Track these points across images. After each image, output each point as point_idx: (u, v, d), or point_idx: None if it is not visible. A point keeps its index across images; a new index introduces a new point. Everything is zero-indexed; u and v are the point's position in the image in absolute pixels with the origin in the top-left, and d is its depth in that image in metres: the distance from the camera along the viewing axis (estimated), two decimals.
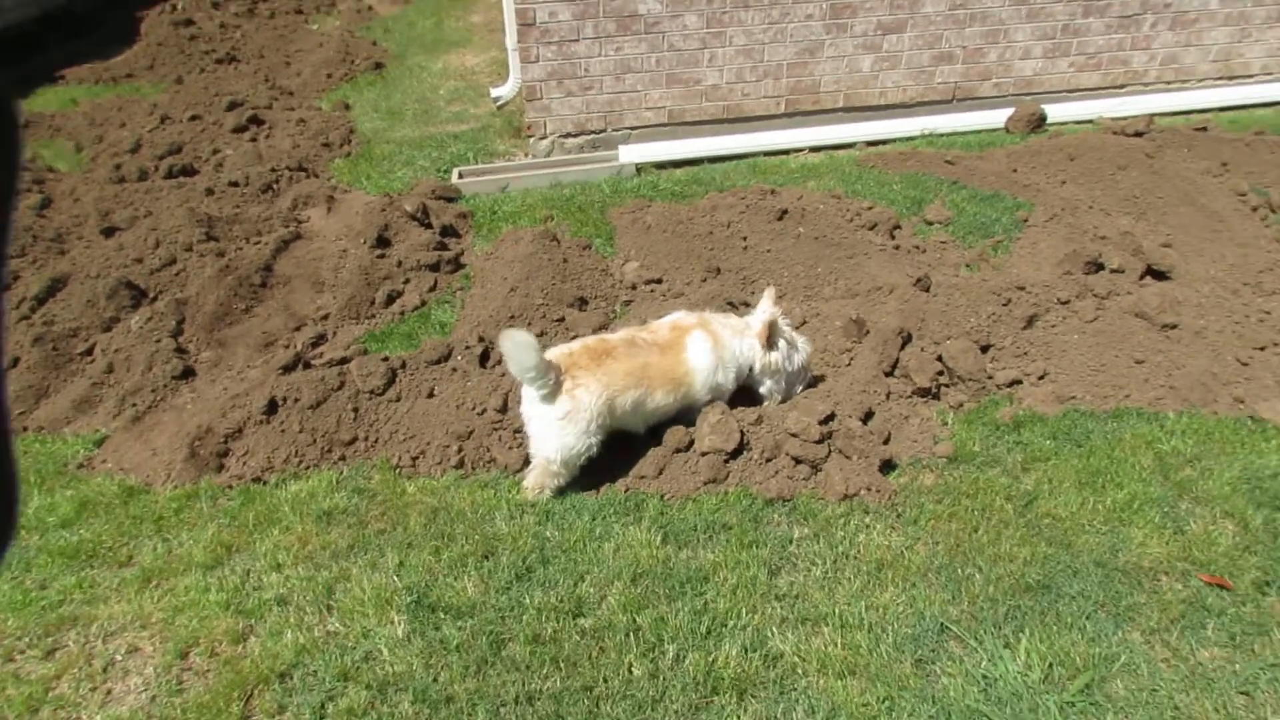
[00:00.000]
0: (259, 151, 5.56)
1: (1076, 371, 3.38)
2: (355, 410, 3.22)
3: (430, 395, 3.31)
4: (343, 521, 2.81)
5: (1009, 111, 5.52)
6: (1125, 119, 5.35)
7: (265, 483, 3.00)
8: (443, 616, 2.42)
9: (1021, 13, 5.40)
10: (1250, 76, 5.82)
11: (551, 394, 2.78)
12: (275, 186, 5.09)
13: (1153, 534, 2.64)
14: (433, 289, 4.14)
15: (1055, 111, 5.53)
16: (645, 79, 5.39)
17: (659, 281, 4.10)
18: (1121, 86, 5.73)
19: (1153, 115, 5.43)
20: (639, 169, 5.25)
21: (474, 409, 3.22)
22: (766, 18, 5.31)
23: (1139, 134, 5.13)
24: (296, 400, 3.23)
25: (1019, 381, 3.40)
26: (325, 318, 3.95)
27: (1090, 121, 5.50)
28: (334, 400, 3.24)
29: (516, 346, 2.65)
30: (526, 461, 3.03)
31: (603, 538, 2.69)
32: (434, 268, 4.25)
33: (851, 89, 5.57)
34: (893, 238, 4.30)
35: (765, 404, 3.20)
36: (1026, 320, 3.59)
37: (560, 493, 2.92)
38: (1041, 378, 3.41)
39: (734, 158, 5.40)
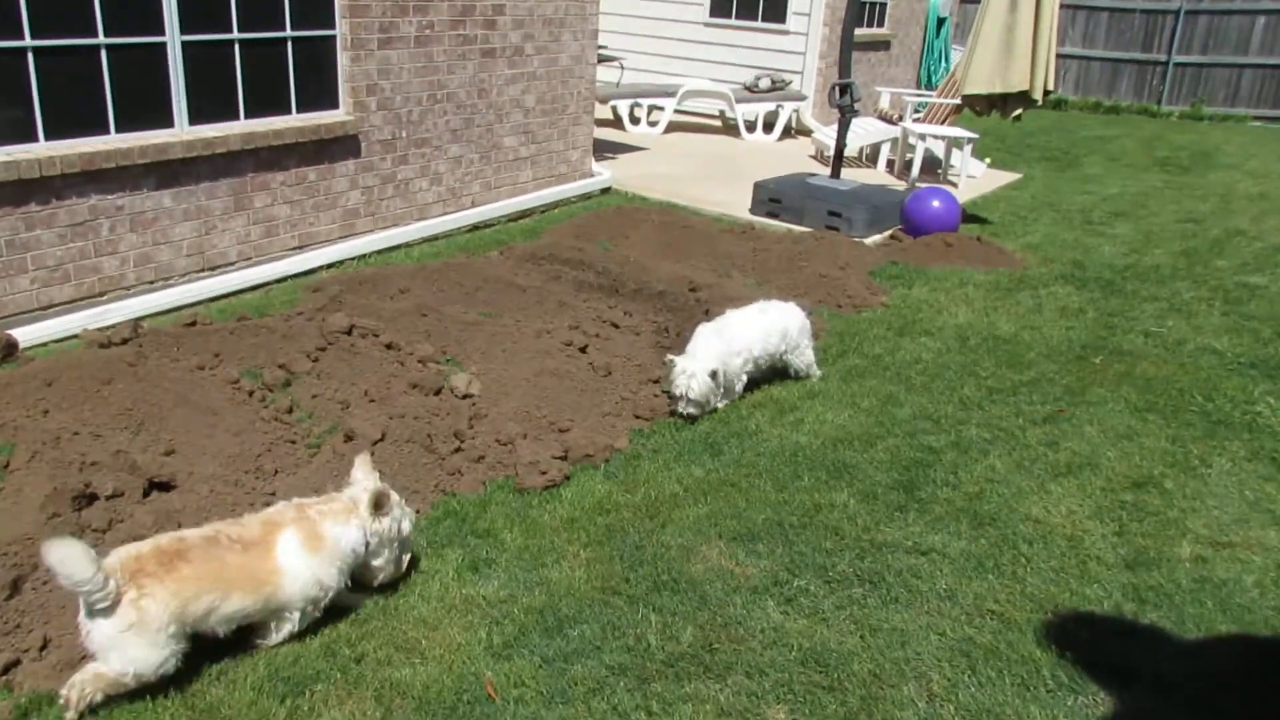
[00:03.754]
0: None
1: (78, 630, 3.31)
2: None
3: None
4: None
5: None
6: (110, 327, 5.59)
7: None
8: None
9: None
10: (230, 264, 6.65)
11: (111, 607, 2.93)
12: None
13: None
14: None
15: (29, 334, 5.50)
16: None
17: None
18: (102, 294, 6.00)
19: (140, 319, 5.80)
20: None
21: None
22: None
23: (125, 341, 5.40)
24: None
25: (17, 663, 3.19)
26: None
27: (75, 337, 5.60)
28: None
29: (64, 560, 2.82)
30: None
31: None
32: None
33: None
34: None
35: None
36: (10, 587, 3.40)
37: None
38: (44, 648, 3.26)
39: None
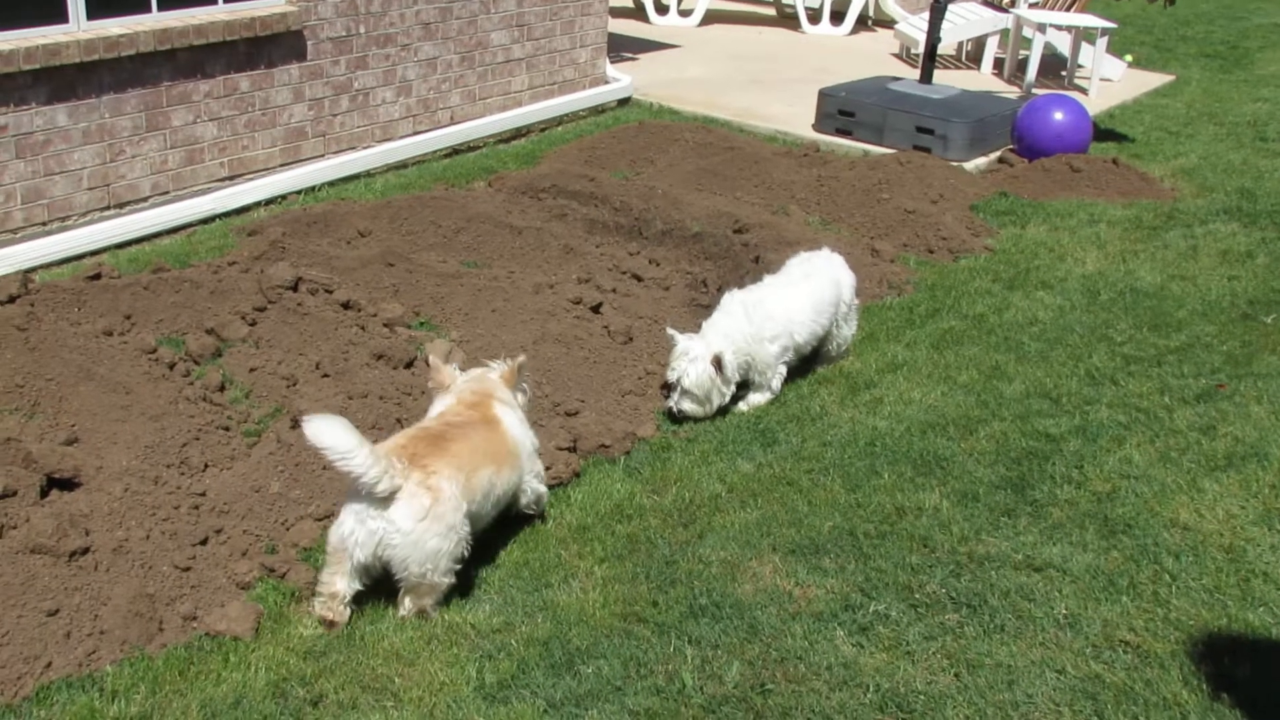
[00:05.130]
0: None
1: None
2: None
3: None
4: None
5: None
6: None
7: None
8: None
9: None
10: (143, 200, 6.78)
11: (395, 492, 3.53)
12: None
13: None
14: None
15: None
16: None
17: None
18: None
19: (30, 270, 5.93)
20: None
21: None
22: None
23: (12, 299, 5.53)
24: None
25: None
26: None
27: None
28: None
29: (324, 432, 3.39)
30: None
31: None
32: None
33: None
34: None
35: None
36: None
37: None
38: None
39: None
